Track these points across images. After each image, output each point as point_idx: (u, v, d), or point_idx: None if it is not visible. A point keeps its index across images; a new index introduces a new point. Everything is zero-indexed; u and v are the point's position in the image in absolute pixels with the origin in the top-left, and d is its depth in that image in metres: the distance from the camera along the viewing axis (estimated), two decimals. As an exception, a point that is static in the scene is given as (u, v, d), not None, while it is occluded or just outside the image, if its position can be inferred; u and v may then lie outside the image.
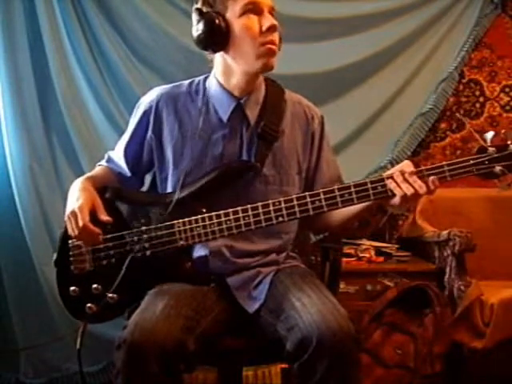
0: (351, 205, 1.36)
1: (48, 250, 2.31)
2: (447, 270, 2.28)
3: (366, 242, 2.57)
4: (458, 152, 2.84)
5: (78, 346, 1.45)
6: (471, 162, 1.32)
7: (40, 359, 2.40)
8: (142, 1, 2.47)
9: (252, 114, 1.50)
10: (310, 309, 1.29)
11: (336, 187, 1.36)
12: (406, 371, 2.15)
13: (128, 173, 1.58)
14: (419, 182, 1.32)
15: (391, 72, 2.69)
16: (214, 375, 2.19)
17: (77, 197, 1.45)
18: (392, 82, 2.68)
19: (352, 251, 2.48)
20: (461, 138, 2.84)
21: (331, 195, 1.36)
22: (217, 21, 1.39)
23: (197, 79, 1.57)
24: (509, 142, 1.31)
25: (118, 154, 1.61)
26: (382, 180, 1.35)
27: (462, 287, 2.20)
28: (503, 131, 1.32)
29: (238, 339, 1.47)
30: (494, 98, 2.84)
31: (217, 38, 1.41)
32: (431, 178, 1.32)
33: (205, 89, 1.53)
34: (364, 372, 2.08)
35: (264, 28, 1.39)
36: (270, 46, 1.40)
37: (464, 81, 2.83)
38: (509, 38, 2.82)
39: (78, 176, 2.31)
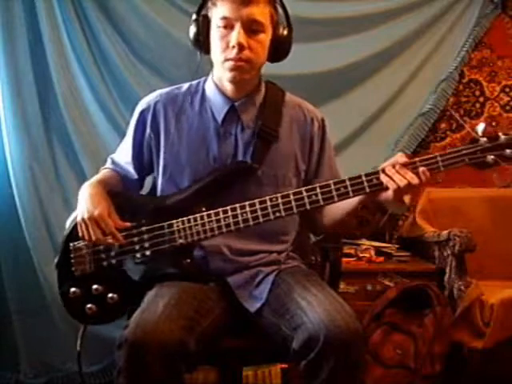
0: (347, 198, 1.37)
1: (48, 250, 2.32)
2: (447, 270, 2.28)
3: (365, 242, 2.57)
4: (458, 152, 2.84)
5: (78, 348, 1.45)
6: (463, 151, 1.34)
7: (40, 359, 2.40)
8: (142, 1, 2.47)
9: (247, 116, 1.51)
10: (317, 307, 1.30)
11: (332, 181, 1.37)
12: (406, 371, 2.14)
13: (135, 175, 1.60)
14: (410, 173, 1.32)
15: (391, 72, 2.69)
16: (215, 375, 2.19)
17: (93, 202, 1.45)
18: (392, 82, 2.68)
19: (352, 251, 2.48)
20: (461, 137, 2.84)
21: (327, 189, 1.37)
22: (201, 26, 1.47)
23: (196, 81, 1.59)
24: (500, 133, 1.33)
25: (122, 158, 1.62)
26: (377, 172, 1.36)
27: (462, 287, 2.21)
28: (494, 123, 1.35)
29: (239, 339, 1.48)
30: (493, 98, 2.84)
31: (200, 42, 1.48)
32: (421, 168, 1.33)
33: (203, 90, 1.55)
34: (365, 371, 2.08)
35: (230, 45, 1.41)
36: (232, 62, 1.42)
37: (464, 81, 2.83)
38: (509, 38, 2.83)
39: (78, 176, 2.37)
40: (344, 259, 2.20)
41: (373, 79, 2.68)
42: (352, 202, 1.43)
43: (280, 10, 1.50)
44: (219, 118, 1.51)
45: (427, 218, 2.58)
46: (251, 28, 1.41)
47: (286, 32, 1.49)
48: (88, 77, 2.43)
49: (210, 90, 1.54)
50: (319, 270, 1.68)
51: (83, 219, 1.45)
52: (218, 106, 1.51)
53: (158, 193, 1.55)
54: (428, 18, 2.68)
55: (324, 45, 2.61)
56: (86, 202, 1.47)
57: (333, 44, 2.62)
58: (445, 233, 2.31)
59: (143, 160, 1.59)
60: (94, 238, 1.44)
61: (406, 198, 1.35)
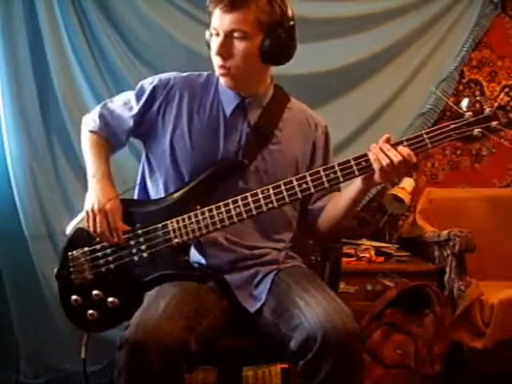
0: (337, 183, 1.38)
1: (48, 250, 2.32)
2: (447, 269, 2.28)
3: (366, 242, 2.58)
4: (458, 152, 2.84)
5: (82, 356, 1.45)
6: (450, 127, 1.34)
7: (40, 359, 2.40)
8: (142, 1, 2.47)
9: (253, 115, 1.52)
10: (315, 308, 1.30)
11: (321, 168, 1.38)
12: (406, 371, 2.15)
13: (124, 141, 1.59)
14: (394, 151, 1.32)
15: (391, 72, 2.69)
16: (214, 375, 2.19)
17: (105, 195, 1.46)
18: (392, 82, 2.69)
19: (352, 251, 2.48)
20: (461, 137, 2.84)
21: (317, 176, 1.37)
22: (206, 33, 1.47)
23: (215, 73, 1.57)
24: (485, 106, 1.35)
25: (117, 121, 1.56)
26: (365, 155, 1.36)
27: (462, 287, 2.21)
28: (477, 98, 1.35)
29: (239, 339, 1.48)
30: (493, 98, 2.84)
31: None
32: (400, 146, 1.33)
33: (217, 83, 1.55)
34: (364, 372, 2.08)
35: (211, 53, 1.45)
36: (219, 70, 1.45)
37: (464, 81, 2.83)
38: (509, 38, 2.83)
39: (78, 176, 2.36)
40: (344, 259, 2.21)
41: (373, 79, 2.68)
42: (347, 199, 1.44)
43: (278, 9, 1.41)
44: (228, 111, 1.51)
45: (427, 217, 2.59)
46: (233, 36, 1.40)
47: (283, 35, 1.41)
48: (88, 77, 2.42)
49: (222, 84, 1.53)
50: (319, 270, 1.68)
51: (93, 210, 1.45)
52: (228, 99, 1.51)
53: (158, 178, 1.54)
54: (428, 18, 2.69)
55: (324, 45, 2.62)
56: (97, 194, 1.47)
57: (333, 44, 2.62)
58: (445, 233, 2.31)
59: (137, 130, 1.56)
60: (99, 229, 1.44)
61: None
